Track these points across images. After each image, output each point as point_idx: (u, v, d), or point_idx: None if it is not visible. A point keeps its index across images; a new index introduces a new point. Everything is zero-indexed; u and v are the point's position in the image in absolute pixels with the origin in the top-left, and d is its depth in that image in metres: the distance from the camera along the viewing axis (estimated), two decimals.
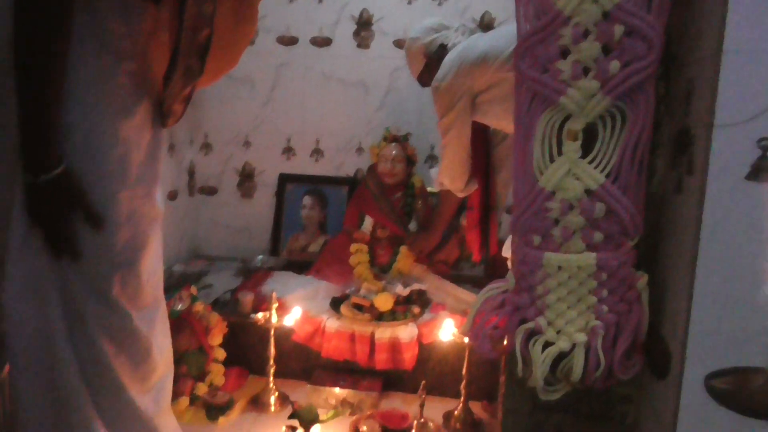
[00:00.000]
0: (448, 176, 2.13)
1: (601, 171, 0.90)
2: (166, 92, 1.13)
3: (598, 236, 0.90)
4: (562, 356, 0.93)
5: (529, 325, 0.95)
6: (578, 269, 0.92)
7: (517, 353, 0.95)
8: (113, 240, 1.10)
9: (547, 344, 0.94)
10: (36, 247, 1.04)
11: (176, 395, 1.92)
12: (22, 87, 0.97)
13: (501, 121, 1.98)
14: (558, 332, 0.94)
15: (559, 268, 0.93)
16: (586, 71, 0.87)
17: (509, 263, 1.97)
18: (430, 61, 2.09)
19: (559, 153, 0.91)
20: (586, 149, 0.90)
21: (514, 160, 0.96)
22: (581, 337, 0.92)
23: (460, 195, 2.20)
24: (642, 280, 0.91)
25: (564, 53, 0.88)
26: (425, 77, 2.13)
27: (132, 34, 1.07)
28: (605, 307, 0.92)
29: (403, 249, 2.47)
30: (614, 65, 0.85)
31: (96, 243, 1.08)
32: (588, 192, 0.90)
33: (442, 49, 2.05)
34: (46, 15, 0.93)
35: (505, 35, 1.86)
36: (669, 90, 0.93)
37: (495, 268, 2.55)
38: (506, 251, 1.89)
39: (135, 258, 1.16)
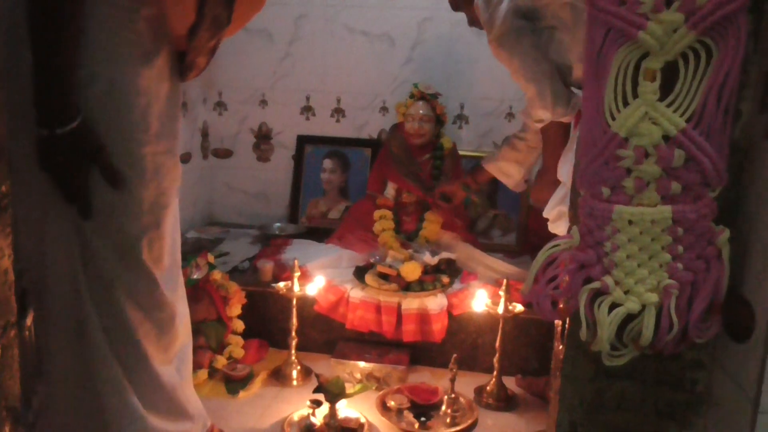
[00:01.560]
0: (539, 104, 1.78)
1: (682, 115, 0.86)
2: (191, 44, 1.13)
3: (675, 187, 0.87)
4: (630, 318, 0.91)
5: (595, 284, 0.92)
6: (652, 223, 0.89)
7: (581, 315, 0.93)
8: (140, 198, 1.11)
9: (614, 305, 0.91)
10: (59, 206, 1.05)
11: (195, 367, 1.92)
12: (36, 32, 0.96)
13: (568, 53, 1.71)
14: (626, 292, 0.91)
15: (630, 222, 0.89)
16: (669, 2, 0.83)
17: (552, 227, 1.94)
18: None
19: (635, 95, 0.87)
20: (665, 91, 0.86)
21: (583, 104, 0.93)
22: (652, 298, 0.89)
23: (565, 120, 1.83)
24: (723, 235, 0.88)
25: None
26: (458, 1, 1.98)
27: None
28: (680, 265, 0.89)
29: (428, 215, 2.44)
30: None
31: (123, 202, 1.09)
32: (666, 138, 0.86)
33: None
34: None
35: None
36: (759, 25, 0.89)
37: (527, 237, 2.52)
38: (547, 212, 1.84)
39: (160, 218, 1.17)
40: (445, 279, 2.18)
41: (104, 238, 1.08)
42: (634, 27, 0.85)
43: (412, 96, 2.49)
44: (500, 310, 1.94)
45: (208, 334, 2.05)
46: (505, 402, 1.97)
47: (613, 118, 0.88)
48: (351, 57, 2.71)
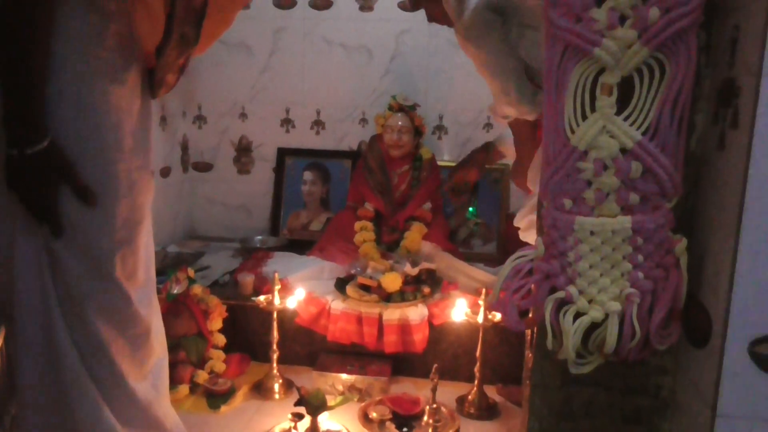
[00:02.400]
0: (503, 100, 1.78)
1: (638, 128, 0.89)
2: (159, 62, 1.13)
3: (633, 198, 0.90)
4: (594, 327, 0.93)
5: (560, 294, 0.95)
6: (612, 234, 0.91)
7: (546, 324, 0.95)
8: (114, 214, 1.12)
9: (578, 314, 0.94)
10: (28, 224, 1.05)
11: (175, 383, 1.94)
12: (2, 52, 0.96)
13: (536, 49, 1.69)
14: (590, 301, 0.94)
15: (592, 232, 0.92)
16: (622, 20, 0.86)
17: (522, 235, 1.96)
18: None
19: (593, 109, 0.90)
20: (622, 105, 0.89)
21: (544, 119, 0.96)
22: (615, 306, 0.92)
23: (530, 118, 1.83)
24: (680, 244, 0.91)
25: (599, 0, 0.87)
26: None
27: (122, 4, 1.07)
28: (641, 274, 0.92)
29: (412, 225, 2.46)
30: (654, 12, 0.84)
31: (96, 219, 1.09)
32: (623, 150, 0.89)
33: None
34: None
35: None
36: (710, 39, 0.92)
37: (507, 245, 2.55)
38: (518, 221, 1.87)
39: (134, 234, 1.17)
40: (426, 289, 2.20)
41: (76, 256, 1.08)
42: (589, 44, 0.88)
43: (390, 108, 2.52)
44: (480, 319, 1.96)
45: (188, 349, 2.05)
46: (486, 411, 1.99)
47: (573, 132, 0.92)
48: (330, 69, 2.74)
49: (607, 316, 0.93)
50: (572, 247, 0.94)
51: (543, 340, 0.98)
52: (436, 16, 1.95)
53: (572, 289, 0.94)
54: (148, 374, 1.28)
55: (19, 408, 1.11)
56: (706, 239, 0.93)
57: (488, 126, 2.67)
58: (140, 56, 1.15)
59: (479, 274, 2.31)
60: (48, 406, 1.12)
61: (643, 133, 0.89)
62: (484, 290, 1.98)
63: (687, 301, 0.92)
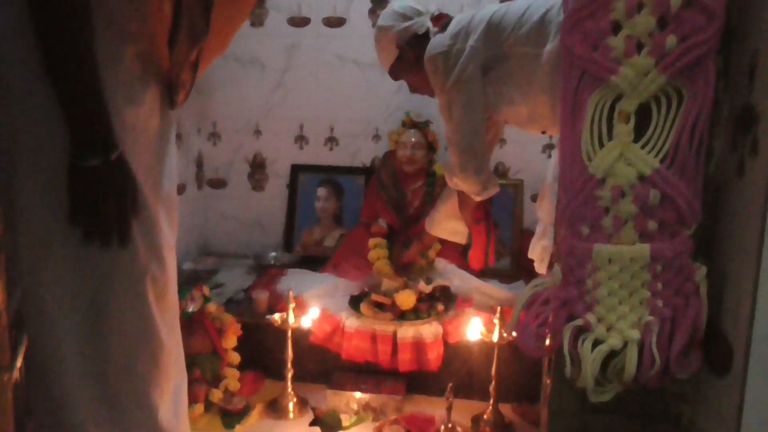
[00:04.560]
0: (460, 174, 1.96)
1: (656, 155, 0.89)
2: (172, 58, 1.12)
3: (652, 225, 0.90)
4: (613, 354, 0.93)
5: (578, 321, 0.95)
6: (631, 261, 0.91)
7: (565, 352, 0.95)
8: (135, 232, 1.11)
9: (597, 342, 0.93)
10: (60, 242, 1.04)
11: (190, 401, 1.93)
12: (63, 64, 0.96)
13: (514, 107, 1.84)
14: (609, 329, 0.93)
15: (610, 260, 0.92)
16: (639, 47, 0.87)
17: (535, 266, 1.98)
18: (403, 51, 1.98)
19: (610, 137, 0.90)
20: (639, 132, 0.89)
21: (560, 146, 0.96)
22: (634, 334, 0.92)
23: (477, 199, 2.07)
24: (700, 271, 0.91)
25: (615, 28, 0.87)
26: (398, 70, 2.05)
27: (139, 15, 1.06)
28: (660, 302, 0.92)
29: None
30: (671, 40, 0.84)
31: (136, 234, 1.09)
32: (641, 178, 0.89)
33: (416, 39, 1.95)
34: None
35: (528, 7, 1.76)
36: (729, 65, 0.92)
37: (521, 261, 2.55)
38: (531, 253, 1.88)
39: (159, 254, 1.16)
40: (440, 306, 2.19)
41: (105, 275, 1.07)
42: (606, 71, 0.88)
43: (404, 124, 2.53)
44: (495, 337, 1.95)
45: (203, 367, 2.06)
46: (502, 430, 1.98)
47: (590, 159, 0.92)
48: (343, 86, 2.75)
49: (626, 343, 0.92)
50: (590, 275, 0.94)
51: (561, 367, 0.97)
52: (418, 87, 2.08)
53: (590, 317, 0.94)
54: (169, 400, 1.27)
55: (37, 426, 1.11)
56: (727, 266, 0.92)
57: (502, 141, 2.66)
58: (159, 74, 1.15)
59: (494, 291, 2.31)
60: (65, 428, 1.11)
61: (661, 161, 0.89)
62: (499, 308, 1.97)
63: (708, 330, 0.92)
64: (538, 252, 1.99)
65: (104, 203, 1.00)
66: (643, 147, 0.89)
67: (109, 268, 1.07)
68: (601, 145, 0.91)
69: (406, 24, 1.96)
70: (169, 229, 1.23)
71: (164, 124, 1.20)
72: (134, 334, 1.14)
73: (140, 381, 1.15)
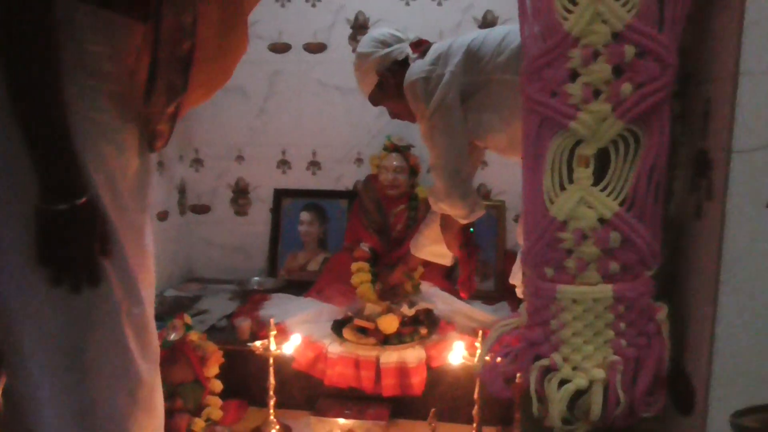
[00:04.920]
0: (446, 199, 1.97)
1: (615, 198, 0.90)
2: (147, 111, 1.12)
3: (614, 267, 0.91)
4: (579, 393, 0.94)
5: (544, 361, 0.95)
6: (594, 302, 0.92)
7: (531, 392, 0.96)
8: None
9: (563, 381, 0.94)
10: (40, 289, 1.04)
11: (173, 431, 1.93)
12: (29, 112, 0.96)
13: (494, 134, 1.86)
14: (574, 368, 0.94)
15: (574, 301, 0.93)
16: (596, 94, 0.88)
17: (517, 291, 1.99)
18: (383, 78, 1.99)
19: (571, 180, 0.92)
20: (599, 176, 0.91)
21: (523, 189, 0.97)
22: (599, 374, 0.93)
23: (463, 222, 2.06)
24: (661, 312, 0.92)
25: (573, 76, 0.89)
26: (379, 96, 2.06)
27: (115, 55, 1.07)
28: (624, 341, 0.93)
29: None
30: (626, 87, 0.86)
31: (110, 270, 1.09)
32: (602, 221, 0.91)
33: (396, 65, 1.96)
34: (32, 34, 0.93)
35: (505, 35, 1.79)
36: (686, 108, 0.94)
37: (505, 283, 2.56)
38: (513, 278, 1.89)
39: (133, 292, 1.16)
40: (423, 330, 2.19)
41: (82, 312, 1.07)
42: (565, 117, 0.90)
43: (385, 148, 2.55)
44: (477, 361, 1.95)
45: (185, 397, 2.04)
46: None
47: (552, 203, 0.93)
48: (325, 111, 2.77)
49: (591, 383, 0.93)
50: (555, 315, 0.95)
51: (529, 406, 0.98)
52: (398, 113, 2.09)
53: (556, 357, 0.95)
54: None
55: None
56: (687, 307, 0.94)
57: (483, 164, 2.68)
58: (137, 118, 1.14)
59: (477, 313, 2.31)
60: None
61: (621, 204, 0.90)
62: (480, 331, 1.98)
63: (671, 369, 0.93)
64: (520, 277, 2.00)
65: (70, 247, 1.00)
66: (602, 190, 0.91)
67: (84, 306, 1.06)
68: (563, 188, 0.92)
69: (386, 51, 1.97)
70: (144, 266, 1.22)
71: (143, 164, 1.20)
72: (112, 371, 1.13)
73: (119, 417, 1.14)
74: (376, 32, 2.04)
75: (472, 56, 1.80)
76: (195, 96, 1.25)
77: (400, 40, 2.00)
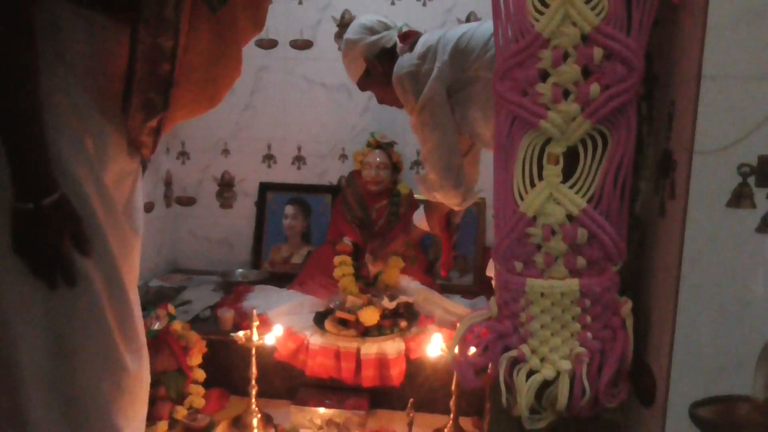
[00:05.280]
0: (440, 190, 1.98)
1: (583, 195, 0.91)
2: (127, 123, 1.12)
3: (581, 262, 0.92)
4: (546, 384, 0.95)
5: (513, 353, 0.96)
6: (561, 296, 0.94)
7: (500, 382, 0.97)
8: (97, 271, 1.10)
9: (531, 372, 0.95)
10: (19, 282, 1.04)
11: (155, 419, 1.92)
12: (1, 114, 0.97)
13: (479, 129, 1.86)
14: (542, 360, 0.95)
15: (542, 294, 0.94)
16: (566, 94, 0.89)
17: (493, 284, 1.99)
18: (371, 65, 1.97)
19: (540, 177, 0.93)
20: (568, 173, 0.92)
21: (494, 185, 0.98)
22: (566, 365, 0.94)
23: (458, 209, 2.07)
24: (626, 306, 0.93)
25: (543, 76, 0.90)
26: (366, 82, 2.05)
27: (97, 54, 1.06)
28: (589, 334, 0.94)
29: (390, 260, 2.48)
30: (594, 88, 0.87)
31: (91, 269, 1.08)
32: (570, 217, 0.92)
33: (384, 53, 1.94)
34: (7, 37, 0.93)
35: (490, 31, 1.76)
36: (652, 110, 0.95)
37: (484, 277, 2.57)
38: (490, 271, 1.90)
39: (120, 287, 1.16)
40: (403, 323, 2.20)
41: (69, 310, 1.07)
42: (536, 116, 0.91)
43: (369, 144, 2.56)
44: (448, 351, 1.96)
45: (168, 385, 2.04)
46: None
47: (522, 199, 0.94)
48: (310, 107, 2.76)
49: (558, 374, 0.94)
50: (524, 308, 0.96)
51: (498, 396, 0.99)
52: (385, 100, 2.08)
53: (525, 348, 0.96)
54: (140, 426, 1.25)
55: None
56: (651, 302, 0.95)
57: None
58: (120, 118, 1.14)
59: (455, 307, 2.33)
60: None
61: (588, 201, 0.91)
62: (458, 324, 1.98)
63: (635, 361, 0.94)
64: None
65: (38, 246, 1.00)
66: (571, 188, 0.92)
67: (65, 297, 1.06)
68: (532, 185, 0.93)
69: (374, 38, 1.94)
70: (129, 257, 1.21)
71: (131, 160, 1.19)
72: (96, 359, 1.13)
73: (104, 405, 1.13)
74: (364, 19, 2.00)
75: (461, 52, 1.78)
76: (180, 114, 1.25)
77: (387, 27, 1.97)
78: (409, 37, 1.93)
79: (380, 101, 2.11)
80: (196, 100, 1.23)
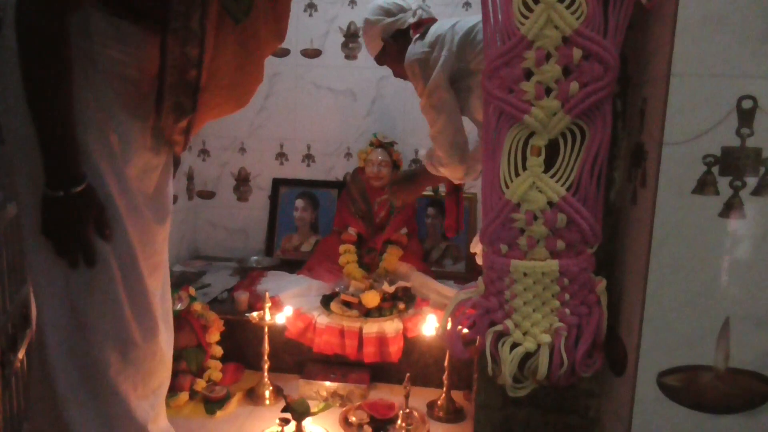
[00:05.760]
0: (447, 165, 1.93)
1: (563, 184, 0.91)
2: (161, 123, 1.13)
3: (560, 244, 0.92)
4: (528, 356, 0.95)
5: (498, 327, 0.96)
6: (542, 275, 0.93)
7: (487, 353, 0.97)
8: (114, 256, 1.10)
9: (514, 345, 0.95)
10: (47, 261, 1.05)
11: (176, 390, 1.93)
12: (38, 111, 0.98)
13: (477, 114, 1.82)
14: (524, 334, 0.95)
15: (525, 274, 0.94)
16: (548, 92, 0.89)
17: (477, 259, 1.97)
18: (387, 44, 1.96)
19: (524, 167, 0.92)
20: (549, 164, 0.91)
21: (483, 175, 0.98)
22: (546, 338, 0.94)
23: (460, 182, 2.02)
24: (600, 285, 0.93)
25: (528, 75, 0.89)
26: (382, 60, 2.02)
27: (125, 60, 1.07)
28: (567, 310, 0.94)
29: (389, 248, 2.48)
30: (574, 86, 0.87)
31: (109, 253, 1.08)
32: (551, 204, 0.91)
33: (399, 33, 1.92)
34: (44, 42, 0.94)
35: None
36: (626, 107, 0.95)
37: (474, 265, 2.57)
38: (474, 247, 1.88)
39: (137, 272, 1.15)
40: (402, 305, 2.20)
41: (88, 289, 1.07)
42: (520, 111, 0.90)
43: (371, 144, 2.55)
44: (439, 326, 1.96)
45: (189, 360, 2.04)
46: (453, 414, 1.99)
47: (507, 187, 0.93)
48: (319, 110, 2.76)
49: (539, 346, 0.94)
50: (508, 286, 0.96)
51: (485, 367, 0.99)
52: (400, 75, 2.03)
53: (509, 323, 0.96)
54: (150, 395, 1.25)
55: (30, 424, 1.10)
56: (623, 281, 0.95)
57: None
58: (147, 114, 1.14)
59: (449, 291, 2.32)
60: (49, 424, 1.10)
61: (568, 189, 0.91)
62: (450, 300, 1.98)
63: (608, 335, 0.94)
64: (480, 248, 1.96)
65: (65, 230, 1.01)
66: (552, 177, 0.91)
67: (83, 276, 1.08)
68: (517, 174, 0.93)
69: (390, 20, 1.92)
70: (148, 248, 1.21)
71: (157, 158, 1.19)
72: (108, 333, 1.13)
73: (113, 373, 1.14)
74: (382, 1, 1.97)
75: (468, 44, 1.75)
76: (209, 116, 1.25)
77: (403, 10, 1.94)
78: (421, 26, 1.90)
79: (395, 75, 2.07)
80: (224, 104, 1.24)
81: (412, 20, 1.93)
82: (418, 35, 1.87)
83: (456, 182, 2.03)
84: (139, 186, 1.16)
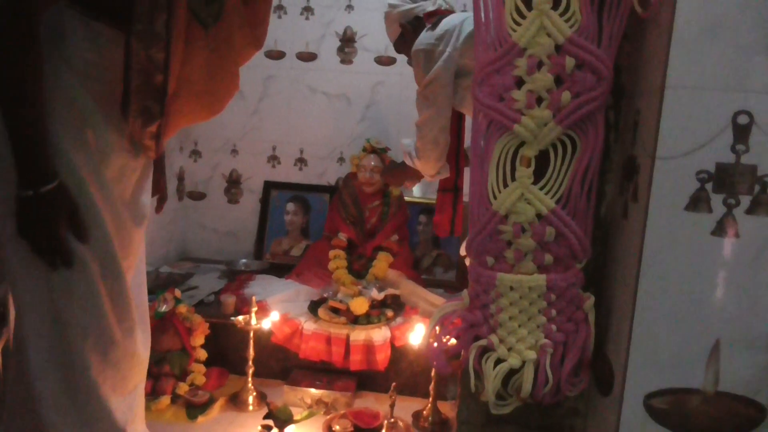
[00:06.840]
0: (422, 158, 1.92)
1: (552, 196, 0.88)
2: (129, 127, 1.10)
3: (548, 258, 0.89)
4: (512, 372, 0.92)
5: (482, 342, 0.93)
6: (529, 290, 0.90)
7: (470, 369, 0.93)
8: (97, 254, 1.08)
9: (498, 361, 0.92)
10: (25, 261, 1.02)
11: (158, 394, 1.89)
12: (6, 110, 0.96)
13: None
14: (509, 349, 0.92)
15: (511, 288, 0.91)
16: (539, 101, 0.86)
17: (466, 261, 1.94)
18: (405, 30, 1.94)
19: (513, 178, 0.89)
20: (539, 175, 0.88)
21: (470, 185, 0.94)
22: (531, 355, 0.90)
23: (429, 180, 2.02)
24: (588, 301, 0.90)
25: (519, 83, 0.86)
26: (400, 45, 2.01)
27: (99, 61, 1.04)
28: (554, 327, 0.90)
29: (380, 255, 2.45)
30: (566, 96, 0.84)
31: (89, 253, 1.06)
32: (539, 216, 0.88)
33: (417, 20, 1.91)
34: (13, 40, 0.92)
35: None
36: (619, 119, 0.92)
37: (465, 273, 2.53)
38: (463, 251, 1.85)
39: (116, 271, 1.13)
40: (390, 313, 2.17)
41: (69, 289, 1.05)
42: (510, 120, 0.87)
43: (364, 149, 2.52)
44: (422, 339, 1.92)
45: (172, 363, 2.00)
46: (439, 426, 1.95)
47: (495, 198, 0.90)
48: (313, 113, 2.73)
49: (524, 363, 0.91)
50: (494, 300, 0.92)
51: (468, 382, 0.95)
52: None
53: (494, 338, 0.93)
54: (128, 395, 1.23)
55: (5, 414, 1.07)
56: (612, 298, 0.92)
57: None
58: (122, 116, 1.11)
59: (438, 300, 2.29)
60: (25, 421, 1.07)
61: (557, 201, 0.88)
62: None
63: (595, 353, 0.91)
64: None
65: (37, 230, 0.99)
66: (541, 189, 0.88)
67: (63, 277, 1.05)
68: (505, 185, 0.90)
69: (410, 6, 1.92)
70: (129, 241, 1.19)
71: (134, 160, 1.16)
72: (88, 333, 1.11)
73: (93, 374, 1.11)
74: None
75: (473, 41, 1.73)
76: (181, 122, 1.23)
77: None
78: (434, 16, 1.88)
79: (409, 63, 1.99)
80: (196, 111, 1.22)
81: (431, 8, 1.91)
82: (430, 25, 1.84)
83: (428, 179, 2.00)
84: (117, 187, 1.14)
